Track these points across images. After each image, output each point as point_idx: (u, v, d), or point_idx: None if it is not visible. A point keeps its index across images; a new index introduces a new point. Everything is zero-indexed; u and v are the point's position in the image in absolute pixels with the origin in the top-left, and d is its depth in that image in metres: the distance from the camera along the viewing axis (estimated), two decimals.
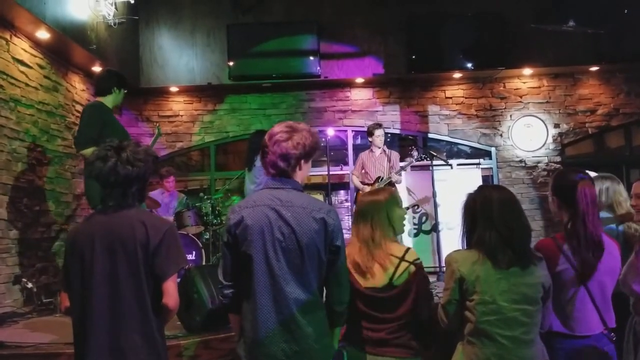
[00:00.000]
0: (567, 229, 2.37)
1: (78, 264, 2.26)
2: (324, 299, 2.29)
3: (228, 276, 2.26)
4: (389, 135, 7.88)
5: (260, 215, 2.19)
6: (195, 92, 7.96)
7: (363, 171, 6.48)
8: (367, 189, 6.17)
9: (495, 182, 7.74)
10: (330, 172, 6.70)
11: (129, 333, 2.19)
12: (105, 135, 4.19)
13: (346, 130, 8.04)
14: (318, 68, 7.38)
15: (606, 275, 2.33)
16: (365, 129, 7.89)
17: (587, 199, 2.33)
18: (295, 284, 2.15)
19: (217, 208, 6.45)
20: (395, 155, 6.46)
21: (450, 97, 7.99)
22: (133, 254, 2.21)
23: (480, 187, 2.42)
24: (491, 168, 7.94)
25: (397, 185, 6.16)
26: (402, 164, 6.36)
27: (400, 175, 6.40)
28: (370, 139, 6.47)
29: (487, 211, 2.28)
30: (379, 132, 6.41)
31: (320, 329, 2.19)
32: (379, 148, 6.44)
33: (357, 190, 6.59)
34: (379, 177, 6.27)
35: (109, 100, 4.49)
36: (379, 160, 6.39)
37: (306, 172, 2.35)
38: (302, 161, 2.28)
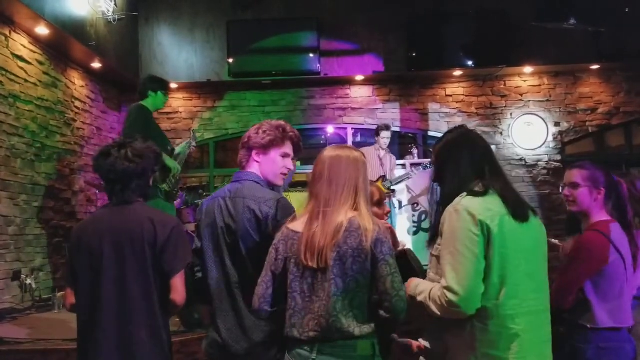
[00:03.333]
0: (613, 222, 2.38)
1: (86, 261, 2.27)
2: None
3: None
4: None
5: (212, 208, 2.34)
6: (195, 88, 7.94)
7: None
8: None
9: None
10: None
11: (136, 329, 2.21)
12: (149, 135, 4.43)
13: (346, 128, 8.02)
14: (318, 65, 7.36)
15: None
16: (365, 126, 7.92)
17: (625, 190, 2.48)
18: (241, 274, 2.24)
19: None
20: (393, 158, 6.57)
21: (451, 95, 7.97)
22: (141, 250, 2.23)
23: None
24: None
25: (394, 185, 6.29)
26: (400, 175, 6.46)
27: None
28: (375, 138, 6.56)
29: None
30: (384, 134, 6.50)
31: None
32: (383, 150, 6.54)
33: None
34: (384, 176, 6.33)
35: (148, 103, 4.75)
36: (384, 159, 6.51)
37: (268, 164, 2.37)
38: (254, 152, 2.37)
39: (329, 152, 2.07)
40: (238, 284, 2.24)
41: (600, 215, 2.39)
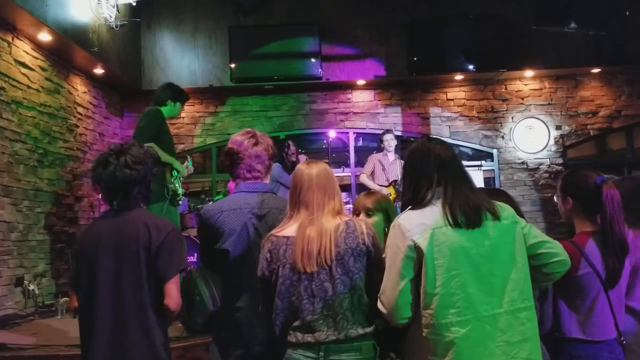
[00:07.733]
0: (594, 234, 2.28)
1: (85, 266, 2.30)
2: None
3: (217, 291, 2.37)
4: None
5: (236, 218, 2.29)
6: (197, 94, 7.96)
7: (371, 173, 6.63)
8: (385, 190, 6.27)
9: (497, 184, 7.73)
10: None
11: (130, 334, 2.22)
12: (160, 140, 4.58)
13: (348, 132, 8.03)
14: (319, 70, 7.38)
15: (623, 279, 2.28)
16: (366, 130, 7.94)
17: (614, 202, 2.24)
18: None
19: None
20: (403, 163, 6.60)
21: (452, 99, 7.99)
22: (135, 255, 2.24)
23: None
24: (493, 170, 7.93)
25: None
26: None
27: None
28: (381, 145, 6.70)
29: None
30: (387, 137, 6.62)
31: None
32: (392, 153, 6.64)
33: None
34: (395, 181, 6.38)
35: (165, 110, 4.89)
36: (392, 165, 6.56)
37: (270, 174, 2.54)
38: (271, 162, 2.49)
39: (313, 166, 2.21)
40: None
41: (582, 226, 2.34)
